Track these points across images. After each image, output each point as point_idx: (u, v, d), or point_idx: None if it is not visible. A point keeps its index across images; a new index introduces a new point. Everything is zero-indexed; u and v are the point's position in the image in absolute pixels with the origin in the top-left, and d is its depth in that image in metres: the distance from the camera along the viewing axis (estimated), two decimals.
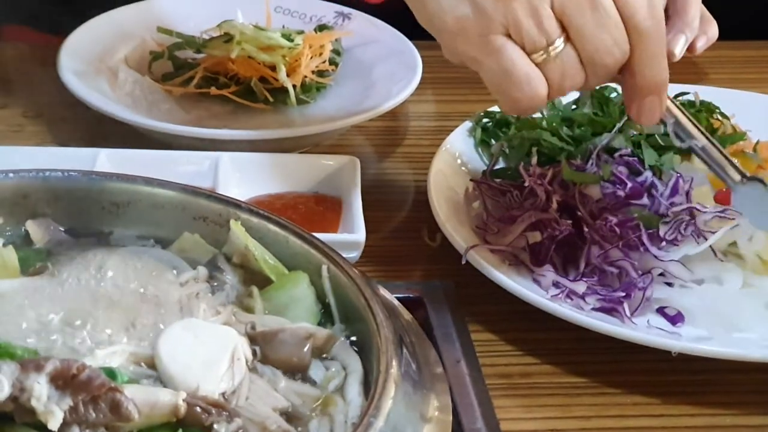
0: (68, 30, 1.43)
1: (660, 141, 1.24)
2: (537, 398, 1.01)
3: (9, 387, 0.75)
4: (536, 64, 0.99)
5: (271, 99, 1.35)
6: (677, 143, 1.06)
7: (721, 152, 1.04)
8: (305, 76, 1.37)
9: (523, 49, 0.98)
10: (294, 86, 1.35)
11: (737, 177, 1.04)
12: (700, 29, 1.45)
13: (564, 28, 0.98)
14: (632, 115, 1.04)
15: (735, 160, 1.04)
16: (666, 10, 1.44)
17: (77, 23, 1.43)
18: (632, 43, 0.99)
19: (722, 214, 1.10)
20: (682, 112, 1.05)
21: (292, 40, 1.37)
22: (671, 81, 1.41)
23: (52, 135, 1.33)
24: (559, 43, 0.98)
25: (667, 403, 1.01)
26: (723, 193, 1.15)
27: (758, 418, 1.00)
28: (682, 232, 1.09)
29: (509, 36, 0.98)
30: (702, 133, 1.05)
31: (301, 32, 1.40)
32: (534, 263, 1.10)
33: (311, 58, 1.38)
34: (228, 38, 1.36)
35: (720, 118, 1.31)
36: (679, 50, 1.43)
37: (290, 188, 1.20)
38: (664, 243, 1.08)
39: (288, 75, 1.35)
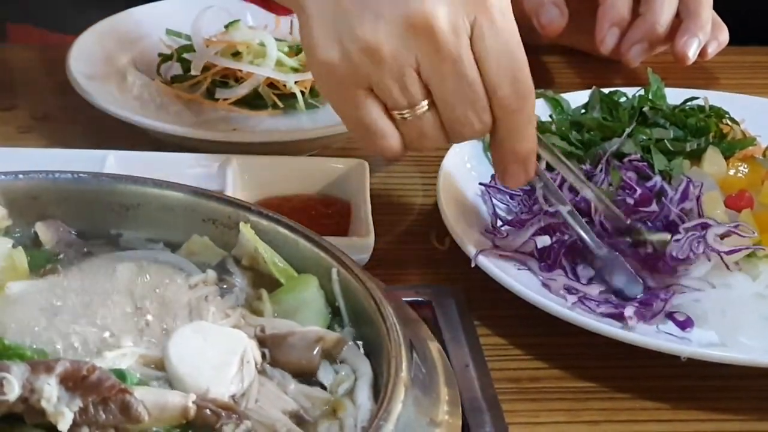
0: (72, 27, 1.42)
1: (669, 146, 1.24)
2: (546, 402, 1.00)
3: (19, 388, 0.75)
4: (396, 120, 0.99)
5: (280, 104, 1.35)
6: (545, 206, 1.10)
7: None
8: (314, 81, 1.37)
9: (385, 105, 0.98)
10: (302, 91, 1.35)
11: (598, 247, 1.07)
12: (711, 34, 1.45)
13: (429, 93, 0.97)
14: (498, 176, 1.06)
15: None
16: (678, 14, 1.45)
17: (81, 21, 1.42)
18: (495, 116, 0.99)
19: (735, 230, 1.09)
20: (549, 178, 1.11)
21: (301, 50, 1.36)
22: (681, 86, 1.41)
23: (61, 137, 1.33)
24: (424, 105, 0.98)
25: (677, 408, 1.01)
26: (733, 197, 1.14)
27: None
28: (694, 250, 1.07)
29: (371, 90, 0.98)
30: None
31: None
32: (543, 268, 1.09)
33: None
34: (235, 51, 1.36)
35: (729, 123, 1.30)
36: (693, 53, 1.43)
37: (299, 191, 1.19)
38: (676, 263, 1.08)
39: (296, 80, 1.35)
